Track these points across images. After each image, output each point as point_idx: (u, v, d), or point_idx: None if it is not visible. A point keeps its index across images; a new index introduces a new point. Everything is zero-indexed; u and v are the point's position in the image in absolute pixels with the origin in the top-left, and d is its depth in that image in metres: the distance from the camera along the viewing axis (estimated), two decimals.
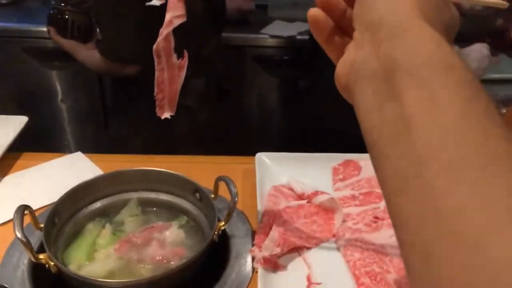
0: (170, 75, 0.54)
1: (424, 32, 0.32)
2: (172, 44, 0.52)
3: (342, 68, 0.38)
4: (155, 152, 0.85)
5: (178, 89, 0.55)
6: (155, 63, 0.53)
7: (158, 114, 0.57)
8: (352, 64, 0.36)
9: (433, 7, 0.35)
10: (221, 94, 1.38)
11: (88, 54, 1.25)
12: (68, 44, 1.29)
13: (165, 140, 1.26)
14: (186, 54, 0.55)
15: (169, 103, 0.56)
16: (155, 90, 0.55)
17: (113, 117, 1.42)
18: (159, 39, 0.50)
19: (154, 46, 0.51)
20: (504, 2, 0.45)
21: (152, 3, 0.48)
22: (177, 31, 1.38)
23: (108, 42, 1.22)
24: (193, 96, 1.28)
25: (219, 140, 1.40)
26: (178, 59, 0.54)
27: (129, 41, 1.19)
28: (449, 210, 0.25)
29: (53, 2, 1.31)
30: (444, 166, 0.26)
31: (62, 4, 1.29)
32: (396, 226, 0.29)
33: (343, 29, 0.43)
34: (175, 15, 0.49)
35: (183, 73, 0.55)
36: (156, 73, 0.54)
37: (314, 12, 0.42)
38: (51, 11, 1.31)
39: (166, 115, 0.56)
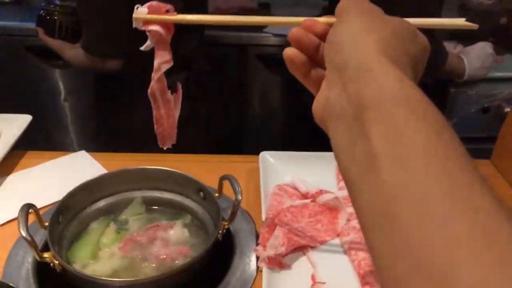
0: (166, 110, 0.56)
1: (386, 71, 0.33)
2: (165, 83, 0.54)
3: (317, 104, 0.39)
4: (141, 146, 0.86)
5: (175, 120, 0.58)
6: (152, 103, 0.55)
7: (160, 146, 0.59)
8: (325, 101, 0.37)
9: (397, 44, 0.36)
10: (201, 91, 1.40)
11: (74, 52, 1.27)
12: (56, 44, 1.32)
13: (148, 135, 1.27)
14: (179, 86, 0.57)
15: (169, 134, 0.58)
16: (155, 126, 0.57)
17: (100, 114, 1.44)
18: (152, 82, 0.53)
19: (149, 90, 0.54)
20: (474, 25, 0.46)
21: (142, 48, 0.50)
22: None
23: (90, 37, 1.23)
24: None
25: (203, 136, 1.42)
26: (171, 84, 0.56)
27: (110, 35, 1.21)
28: (417, 245, 0.25)
29: (43, 4, 1.36)
30: (411, 202, 0.26)
31: (52, 6, 1.33)
32: (372, 258, 0.29)
33: (319, 63, 0.44)
34: (162, 61, 0.52)
35: (178, 104, 0.57)
36: (154, 111, 0.56)
37: (289, 52, 0.44)
38: (41, 12, 1.34)
39: (168, 145, 0.59)
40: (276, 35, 1.86)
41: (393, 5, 1.22)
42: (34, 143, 0.99)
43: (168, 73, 1.37)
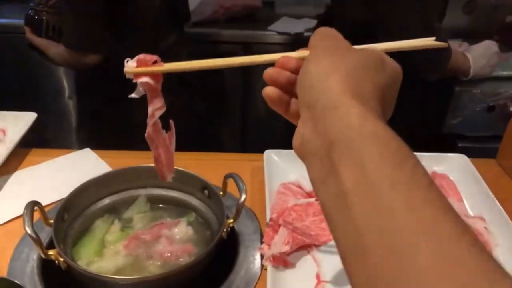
0: (163, 148, 0.59)
1: (350, 109, 0.34)
2: (159, 126, 0.56)
3: (295, 140, 0.40)
4: (145, 144, 0.88)
5: (172, 155, 0.61)
6: (149, 144, 0.58)
7: (161, 180, 0.62)
8: (301, 138, 0.38)
9: (363, 77, 0.38)
10: (181, 86, 1.40)
11: (58, 49, 1.29)
12: (41, 42, 1.34)
13: (124, 128, 1.32)
14: (172, 124, 0.59)
15: (168, 168, 0.61)
16: (154, 163, 0.60)
17: (104, 112, 1.46)
18: (148, 128, 0.56)
19: (146, 134, 0.57)
20: (444, 43, 0.47)
21: (132, 96, 0.52)
22: (134, 25, 1.38)
23: (70, 32, 1.26)
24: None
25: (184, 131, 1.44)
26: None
27: (88, 31, 1.23)
28: (387, 277, 0.27)
29: (32, 4, 1.38)
30: (380, 237, 0.28)
31: (41, 6, 1.35)
32: (350, 285, 0.31)
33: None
34: (156, 108, 0.55)
35: (173, 140, 0.60)
36: (152, 151, 0.59)
37: (268, 91, 0.46)
38: (29, 12, 1.37)
39: (169, 178, 0.62)
40: (280, 33, 1.86)
41: (396, 3, 1.22)
42: (39, 140, 0.99)
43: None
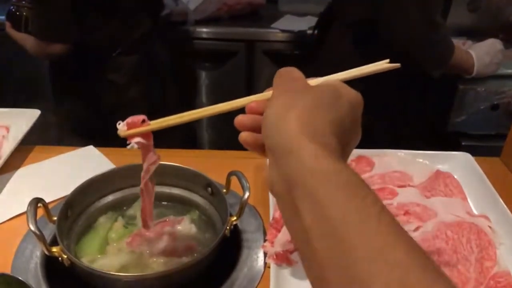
0: (148, 198, 0.65)
1: (303, 150, 0.36)
2: (148, 177, 0.61)
3: (267, 182, 0.41)
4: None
5: (152, 204, 0.66)
6: (140, 196, 0.64)
7: (143, 228, 0.68)
8: (271, 181, 0.40)
9: (317, 113, 0.40)
10: (152, 74, 1.44)
11: (31, 41, 1.31)
12: (19, 36, 1.37)
13: (95, 114, 1.37)
14: (153, 177, 0.63)
15: (149, 217, 0.68)
16: (141, 214, 0.67)
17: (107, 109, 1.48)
18: (142, 183, 0.62)
19: (140, 187, 0.63)
20: (397, 64, 0.48)
21: (128, 147, 0.55)
22: (106, 14, 1.39)
23: (36, 22, 1.28)
24: (121, 72, 1.36)
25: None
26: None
27: (54, 20, 1.26)
28: None
29: (14, 0, 1.42)
30: (339, 269, 0.31)
31: (23, 1, 1.40)
32: None
33: None
34: (150, 163, 0.59)
35: (153, 191, 0.65)
36: (141, 204, 0.65)
37: (243, 136, 0.47)
38: (11, 8, 1.41)
39: (151, 226, 0.68)
40: (283, 31, 1.86)
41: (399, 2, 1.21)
42: (42, 137, 0.99)
43: (118, 56, 1.40)
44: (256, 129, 0.46)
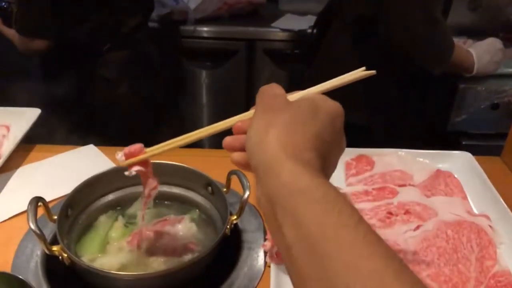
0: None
1: (282, 170, 0.37)
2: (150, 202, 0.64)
3: (256, 198, 0.42)
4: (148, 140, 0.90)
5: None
6: (139, 219, 0.67)
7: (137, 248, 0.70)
8: (258, 199, 0.41)
9: (296, 129, 0.41)
10: (143, 70, 1.45)
11: (17, 38, 1.34)
12: (9, 32, 1.39)
13: (84, 108, 1.39)
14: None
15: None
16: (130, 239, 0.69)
17: (108, 109, 1.49)
18: (143, 208, 0.65)
19: (142, 213, 0.66)
20: (373, 71, 0.48)
21: (126, 173, 0.57)
22: (91, 9, 1.40)
23: (19, 18, 1.30)
24: (111, 68, 1.38)
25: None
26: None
27: (37, 16, 1.28)
28: None
29: None
30: (319, 284, 0.32)
31: None
32: None
33: None
34: (151, 188, 0.62)
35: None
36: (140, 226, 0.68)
37: (234, 157, 0.49)
38: (3, 4, 1.44)
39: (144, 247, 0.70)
40: (283, 30, 1.86)
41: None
42: (43, 136, 0.99)
43: (108, 51, 1.40)
44: (243, 149, 0.47)
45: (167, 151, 0.55)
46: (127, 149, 0.56)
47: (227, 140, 0.49)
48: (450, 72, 1.39)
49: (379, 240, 0.33)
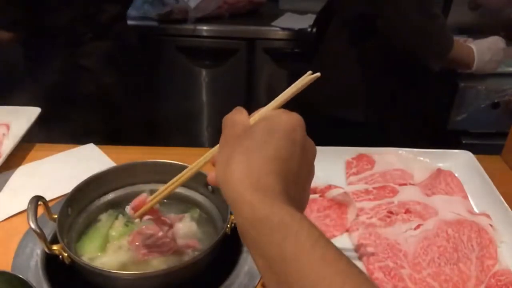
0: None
1: (243, 204, 0.39)
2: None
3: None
4: (148, 139, 0.89)
5: None
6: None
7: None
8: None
9: (253, 157, 0.41)
10: (125, 60, 1.44)
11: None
12: None
13: (66, 100, 1.37)
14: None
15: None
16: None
17: (108, 107, 1.49)
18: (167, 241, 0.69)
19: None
20: (317, 74, 0.48)
21: (136, 220, 0.62)
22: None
23: None
24: (93, 58, 1.37)
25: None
26: None
27: (1, 7, 1.27)
28: None
29: None
30: None
31: None
32: None
33: None
34: (166, 229, 0.68)
35: None
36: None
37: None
38: None
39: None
40: (284, 29, 1.86)
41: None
42: (43, 135, 0.99)
43: (89, 41, 1.37)
44: None
45: (166, 196, 0.61)
46: (133, 203, 0.61)
47: (210, 176, 0.49)
48: (449, 67, 1.38)
49: (337, 257, 0.35)
